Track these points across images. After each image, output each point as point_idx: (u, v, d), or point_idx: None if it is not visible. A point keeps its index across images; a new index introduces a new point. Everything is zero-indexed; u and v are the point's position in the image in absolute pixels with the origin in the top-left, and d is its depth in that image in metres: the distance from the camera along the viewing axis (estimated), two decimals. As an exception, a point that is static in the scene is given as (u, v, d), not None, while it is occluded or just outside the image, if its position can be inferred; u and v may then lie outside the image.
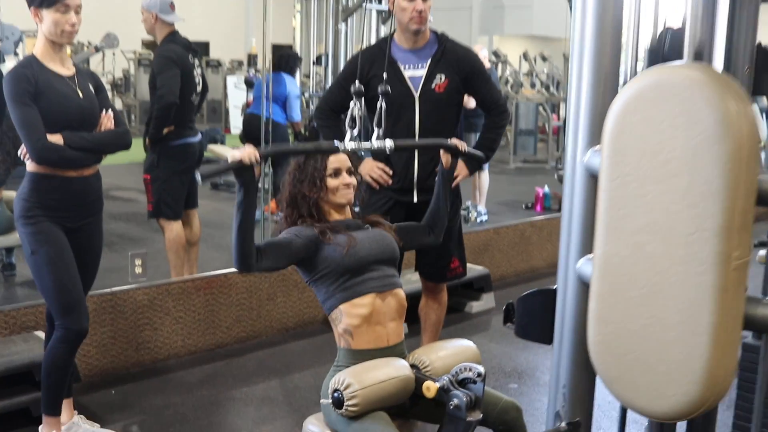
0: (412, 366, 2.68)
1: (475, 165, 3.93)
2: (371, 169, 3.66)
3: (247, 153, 2.42)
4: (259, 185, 7.51)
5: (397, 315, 2.73)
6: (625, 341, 1.53)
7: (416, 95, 3.69)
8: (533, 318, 2.09)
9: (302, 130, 7.77)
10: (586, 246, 1.75)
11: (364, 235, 2.74)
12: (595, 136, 1.71)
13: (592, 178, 1.71)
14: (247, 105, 8.47)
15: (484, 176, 8.02)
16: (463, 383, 2.58)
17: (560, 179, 8.57)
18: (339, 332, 2.68)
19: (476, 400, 2.54)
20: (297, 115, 7.63)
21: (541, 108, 13.57)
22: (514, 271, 6.30)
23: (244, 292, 4.62)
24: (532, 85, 15.85)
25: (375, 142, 2.80)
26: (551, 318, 1.98)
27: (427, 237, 2.98)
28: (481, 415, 2.54)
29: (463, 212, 5.42)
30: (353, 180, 2.79)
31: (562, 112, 13.41)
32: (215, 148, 10.36)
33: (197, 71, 4.83)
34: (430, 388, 2.53)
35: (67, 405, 3.42)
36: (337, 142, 2.71)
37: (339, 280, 2.65)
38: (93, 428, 3.50)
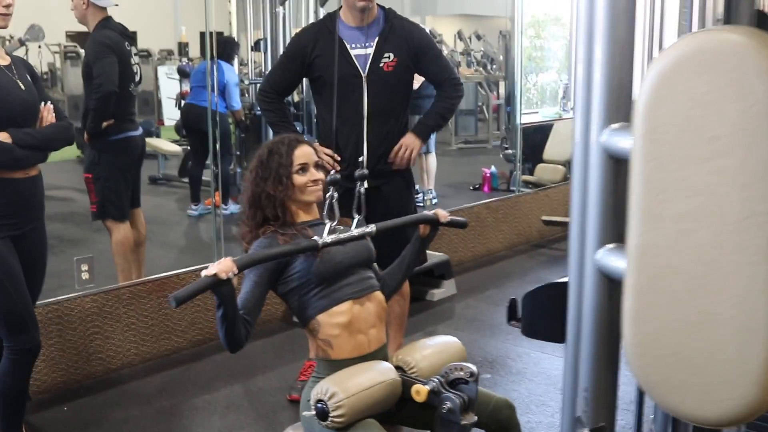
0: (397, 368, 2.50)
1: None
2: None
3: (224, 267, 2.17)
4: (202, 177, 7.26)
5: (377, 320, 2.55)
6: (669, 341, 1.37)
7: (364, 75, 3.52)
8: (542, 315, 1.91)
9: (243, 118, 7.51)
10: (607, 234, 1.58)
11: (337, 237, 2.55)
12: (612, 113, 1.53)
13: (611, 159, 1.54)
14: (182, 95, 8.17)
15: (431, 159, 7.86)
16: (454, 384, 2.41)
17: (507, 158, 8.48)
18: (317, 344, 2.49)
19: (470, 401, 2.38)
20: (237, 102, 7.37)
21: (479, 87, 13.46)
22: (471, 255, 6.16)
23: (198, 293, 4.37)
24: (469, 65, 15.73)
25: (356, 230, 2.58)
26: (562, 314, 1.81)
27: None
28: (476, 417, 2.38)
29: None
30: (321, 175, 2.60)
31: (501, 90, 13.33)
32: (152, 142, 10.00)
33: (134, 59, 4.55)
34: (419, 391, 2.36)
35: None
36: (316, 238, 2.47)
37: (314, 290, 2.47)
38: None
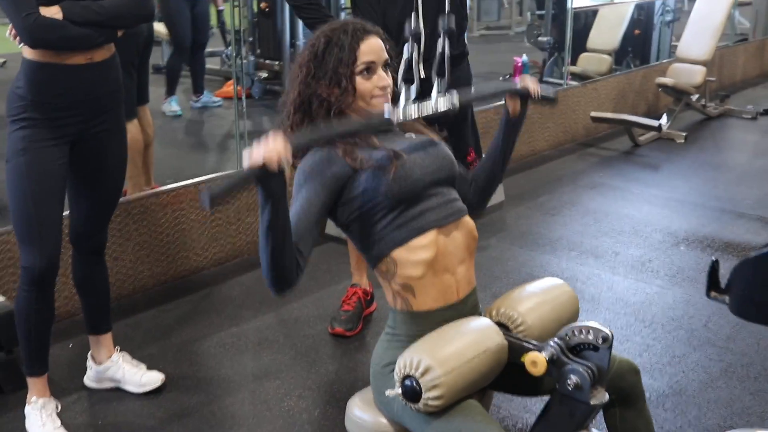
0: (498, 325, 1.93)
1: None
2: None
3: (274, 152, 1.54)
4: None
5: (467, 254, 1.96)
6: None
7: None
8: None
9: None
10: None
11: (411, 147, 1.93)
12: None
13: None
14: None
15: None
16: (578, 350, 1.84)
17: (540, 46, 7.75)
18: (394, 289, 1.90)
19: (600, 373, 1.82)
20: None
21: (503, -32, 12.53)
22: (516, 155, 5.51)
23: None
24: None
25: (439, 101, 1.93)
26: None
27: (470, 196, 2.12)
28: (608, 396, 1.83)
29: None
30: (390, 80, 1.96)
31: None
32: (157, 27, 9.22)
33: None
34: (536, 362, 1.80)
35: (102, 342, 2.84)
36: (389, 112, 1.86)
37: (386, 218, 1.86)
38: (137, 369, 2.86)
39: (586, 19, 7.32)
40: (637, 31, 7.65)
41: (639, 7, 7.53)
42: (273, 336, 3.21)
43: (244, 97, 5.11)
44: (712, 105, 6.92)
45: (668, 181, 5.22)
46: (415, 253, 1.86)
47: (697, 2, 6.75)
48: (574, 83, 6.21)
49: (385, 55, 1.95)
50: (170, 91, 6.48)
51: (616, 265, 3.90)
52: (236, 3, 8.24)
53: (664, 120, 6.17)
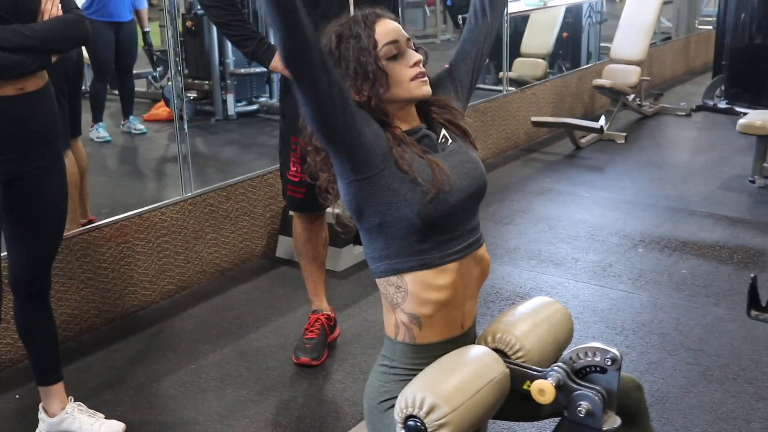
0: (496, 351, 1.81)
1: None
2: None
3: None
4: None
5: (476, 288, 1.83)
6: None
7: None
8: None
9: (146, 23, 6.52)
10: None
11: (450, 163, 1.76)
12: None
13: None
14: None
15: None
16: (583, 373, 1.74)
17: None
18: (398, 319, 1.75)
19: (610, 397, 1.71)
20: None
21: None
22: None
23: (165, 234, 3.59)
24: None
25: None
26: None
27: (485, 26, 1.94)
28: (620, 420, 1.72)
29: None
30: (420, 55, 1.80)
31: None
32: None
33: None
34: (544, 390, 1.68)
35: (53, 393, 2.62)
36: None
37: (411, 236, 1.69)
38: (94, 419, 2.63)
39: (516, 23, 7.30)
40: (566, 34, 7.67)
41: (567, 10, 7.55)
42: (235, 370, 3.04)
43: (185, 119, 4.90)
44: (647, 104, 6.97)
45: (615, 183, 5.19)
46: (430, 291, 1.71)
47: (627, 3, 6.80)
48: (512, 89, 6.16)
49: (405, 34, 1.77)
50: (96, 117, 6.23)
51: (577, 272, 3.83)
52: (162, 23, 8.06)
53: (602, 121, 6.17)
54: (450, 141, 1.82)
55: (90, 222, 3.92)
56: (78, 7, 2.36)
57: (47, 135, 2.34)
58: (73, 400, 2.65)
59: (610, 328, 3.29)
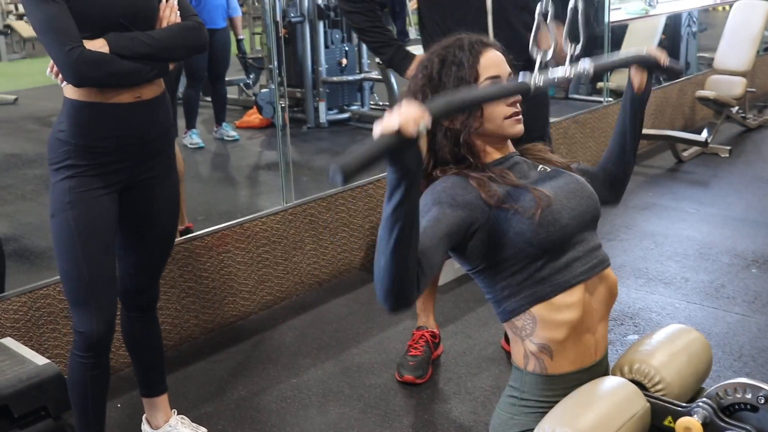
0: (633, 382, 1.69)
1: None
2: None
3: (411, 116, 1.29)
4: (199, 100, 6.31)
5: (606, 310, 1.72)
6: None
7: None
8: None
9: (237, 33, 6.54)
10: None
11: (553, 185, 1.69)
12: None
13: None
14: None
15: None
16: (730, 411, 1.61)
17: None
18: (528, 349, 1.65)
19: (763, 438, 1.58)
20: (235, 9, 6.42)
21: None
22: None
23: (265, 244, 3.55)
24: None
25: (571, 68, 1.69)
26: None
27: (606, 193, 1.91)
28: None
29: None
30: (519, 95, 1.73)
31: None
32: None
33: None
34: (691, 428, 1.56)
35: (158, 405, 2.59)
36: (523, 77, 1.60)
37: (528, 268, 1.62)
38: None
39: (615, 32, 7.11)
40: (663, 36, 7.44)
41: (666, 18, 7.33)
42: (337, 387, 2.97)
43: (279, 127, 4.89)
44: (751, 116, 6.69)
45: (722, 199, 4.98)
46: (559, 313, 1.62)
47: (732, 12, 6.54)
48: (611, 100, 5.98)
49: (508, 68, 1.72)
50: (190, 124, 6.29)
51: (688, 293, 3.66)
52: (254, 31, 8.11)
53: (706, 134, 5.94)
54: (549, 170, 1.76)
55: (187, 229, 3.91)
56: (196, 14, 2.31)
57: (162, 144, 2.31)
58: (176, 413, 2.62)
59: (727, 353, 3.11)
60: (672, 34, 7.55)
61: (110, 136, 2.18)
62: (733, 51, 6.28)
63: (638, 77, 1.82)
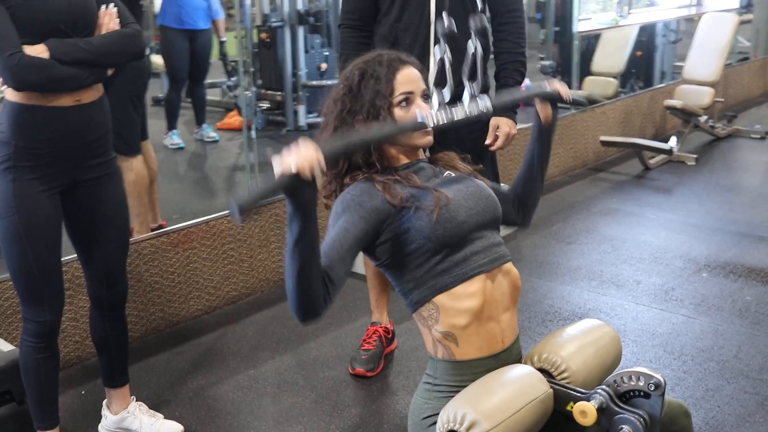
0: (540, 371, 1.83)
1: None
2: None
3: (306, 158, 1.46)
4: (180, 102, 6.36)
5: (511, 301, 1.87)
6: None
7: None
8: None
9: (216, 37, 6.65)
10: None
11: (454, 188, 1.85)
12: None
13: None
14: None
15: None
16: (626, 397, 1.75)
17: (543, 70, 7.66)
18: (435, 337, 1.80)
19: (653, 422, 1.72)
20: (218, 11, 6.54)
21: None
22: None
23: (231, 242, 3.69)
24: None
25: (470, 106, 1.85)
26: None
27: (514, 214, 2.07)
28: (664, 445, 1.73)
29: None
30: (430, 111, 1.88)
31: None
32: (154, 59, 9.18)
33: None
34: (586, 412, 1.70)
35: (119, 394, 2.72)
36: (421, 117, 1.79)
37: (429, 261, 1.78)
38: (154, 419, 2.72)
39: (588, 41, 7.27)
40: (639, 53, 7.62)
41: (641, 28, 7.49)
42: (292, 378, 3.11)
43: (253, 129, 5.04)
44: (719, 126, 6.85)
45: (683, 206, 5.13)
46: (460, 301, 1.77)
47: (701, 22, 6.70)
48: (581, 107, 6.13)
49: (423, 85, 1.88)
50: (171, 125, 6.42)
51: (638, 295, 3.80)
52: (236, 35, 8.22)
53: (673, 142, 6.10)
54: (452, 175, 1.92)
55: (161, 227, 4.05)
56: (135, 22, 2.43)
57: (102, 145, 2.41)
58: (135, 399, 2.75)
59: (668, 352, 3.26)
60: (647, 43, 7.72)
61: (51, 138, 2.28)
62: (702, 62, 6.44)
63: (543, 110, 1.97)
